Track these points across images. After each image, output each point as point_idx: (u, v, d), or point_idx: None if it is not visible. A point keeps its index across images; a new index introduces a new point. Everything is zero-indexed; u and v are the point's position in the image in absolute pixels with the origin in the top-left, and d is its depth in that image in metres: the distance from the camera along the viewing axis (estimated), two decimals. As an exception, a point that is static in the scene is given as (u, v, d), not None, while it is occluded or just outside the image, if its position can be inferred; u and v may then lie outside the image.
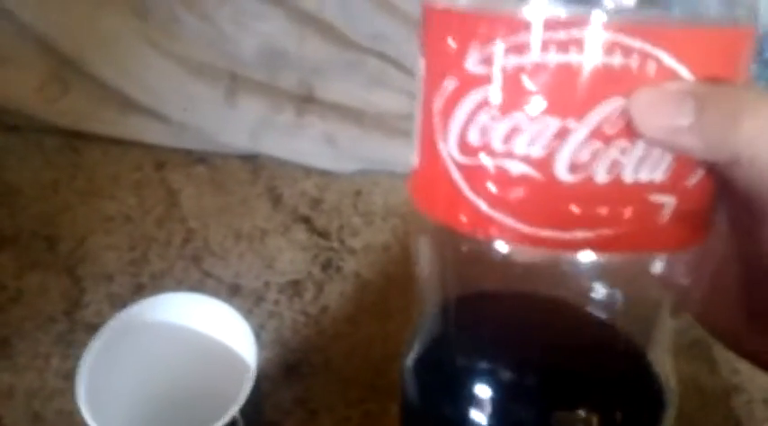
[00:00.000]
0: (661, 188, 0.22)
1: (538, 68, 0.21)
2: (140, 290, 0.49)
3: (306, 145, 0.56)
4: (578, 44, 0.20)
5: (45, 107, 0.59)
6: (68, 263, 0.51)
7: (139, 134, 0.59)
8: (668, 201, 0.22)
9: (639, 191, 0.22)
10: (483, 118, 0.22)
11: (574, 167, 0.21)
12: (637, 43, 0.20)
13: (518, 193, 0.22)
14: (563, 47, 0.20)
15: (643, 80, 0.21)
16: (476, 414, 0.25)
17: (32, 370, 0.45)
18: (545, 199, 0.22)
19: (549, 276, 0.24)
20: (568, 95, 0.21)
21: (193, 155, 0.59)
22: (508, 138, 0.21)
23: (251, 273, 0.51)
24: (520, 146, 0.21)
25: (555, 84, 0.21)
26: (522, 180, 0.22)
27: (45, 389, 0.44)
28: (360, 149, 0.55)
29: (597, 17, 0.20)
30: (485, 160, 0.22)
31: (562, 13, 0.20)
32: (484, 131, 0.22)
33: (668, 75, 0.21)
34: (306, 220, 0.54)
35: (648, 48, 0.20)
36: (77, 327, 0.47)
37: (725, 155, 0.21)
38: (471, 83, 0.22)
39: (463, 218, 0.23)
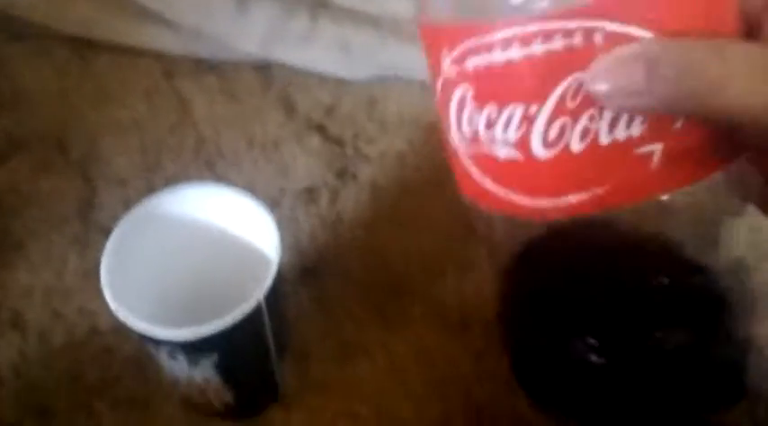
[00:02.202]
0: (643, 139, 0.23)
1: (491, 65, 0.23)
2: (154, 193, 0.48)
3: (319, 52, 0.55)
4: (517, 40, 0.22)
5: (53, 14, 0.58)
6: (81, 167, 0.50)
7: (149, 42, 0.57)
8: (655, 149, 0.23)
9: (621, 148, 0.23)
10: (467, 111, 0.25)
11: (548, 144, 0.23)
12: (573, 24, 0.21)
13: (510, 171, 0.24)
14: (505, 45, 0.23)
15: (592, 52, 0.22)
16: (580, 345, 0.27)
17: (49, 270, 0.45)
18: (533, 174, 0.24)
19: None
20: (525, 83, 0.23)
21: (204, 64, 0.57)
22: (488, 127, 0.24)
23: (265, 180, 0.50)
24: (498, 132, 0.24)
25: (510, 76, 0.23)
26: (509, 161, 0.24)
27: (63, 288, 0.44)
28: (375, 56, 0.54)
29: (524, 16, 0.22)
30: (479, 147, 0.25)
31: (495, 19, 0.23)
32: (470, 122, 0.25)
33: (619, 40, 0.22)
34: (320, 128, 0.53)
35: (587, 23, 0.21)
36: (92, 228, 0.47)
37: (686, 110, 0.21)
38: (451, 83, 0.25)
39: (477, 195, 0.26)
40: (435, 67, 0.26)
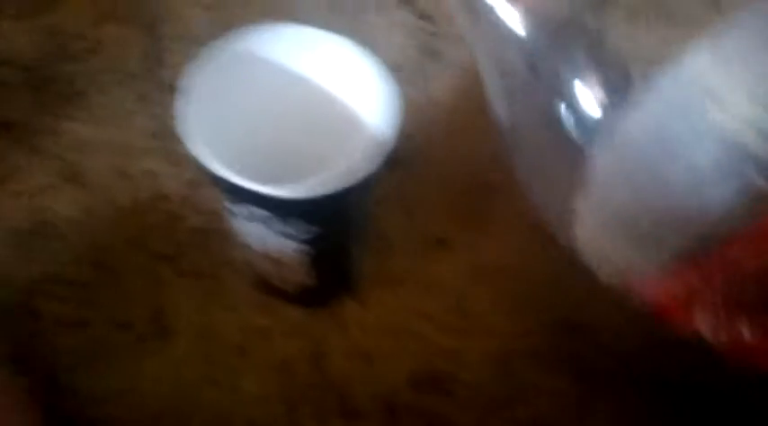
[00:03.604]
0: None
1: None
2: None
3: None
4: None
5: None
6: (149, 18, 0.46)
7: None
8: None
9: None
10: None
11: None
12: None
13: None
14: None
15: None
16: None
17: (114, 126, 0.42)
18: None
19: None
20: None
21: None
22: None
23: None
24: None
25: None
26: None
27: (128, 147, 0.41)
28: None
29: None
30: None
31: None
32: None
33: None
34: (408, 1, 0.49)
35: None
36: (161, 87, 0.43)
37: None
38: None
39: None
40: None
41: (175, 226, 0.38)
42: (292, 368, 0.35)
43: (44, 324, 0.36)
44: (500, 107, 0.30)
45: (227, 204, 0.30)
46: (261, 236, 0.31)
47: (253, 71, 0.32)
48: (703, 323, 0.26)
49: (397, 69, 0.41)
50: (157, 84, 0.43)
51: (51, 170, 0.40)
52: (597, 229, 0.26)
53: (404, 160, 0.42)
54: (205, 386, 0.35)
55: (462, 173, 0.42)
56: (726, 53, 0.22)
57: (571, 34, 0.25)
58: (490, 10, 0.27)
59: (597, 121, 0.24)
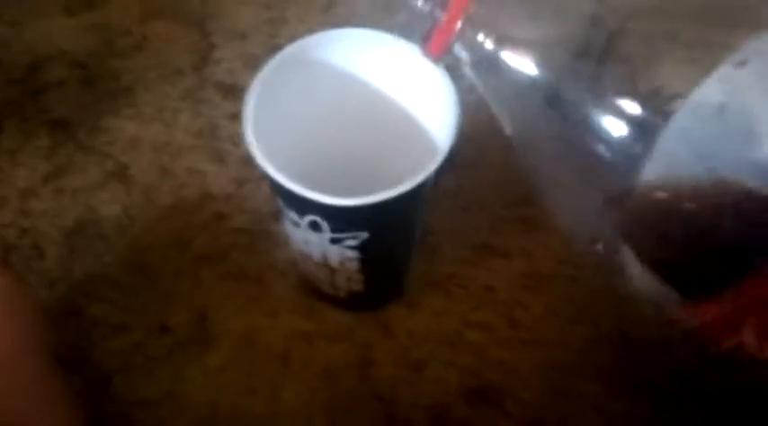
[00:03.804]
0: None
1: None
2: (277, 52, 0.43)
3: None
4: None
5: None
6: (197, 15, 0.45)
7: None
8: None
9: None
10: None
11: None
12: None
13: None
14: None
15: None
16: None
17: (159, 123, 0.41)
18: None
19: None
20: None
21: None
22: None
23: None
24: None
25: None
26: None
27: (173, 144, 0.40)
28: None
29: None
30: None
31: None
32: None
33: None
34: None
35: None
36: (207, 84, 0.43)
37: None
38: None
39: None
40: None
41: (220, 227, 0.37)
42: (337, 374, 0.34)
43: (86, 326, 0.35)
44: (519, 145, 0.29)
45: (284, 210, 0.29)
46: (314, 242, 0.30)
47: (314, 75, 0.31)
48: (746, 343, 0.25)
49: (451, 71, 0.39)
50: (203, 81, 0.43)
51: (97, 167, 0.40)
52: (635, 259, 0.26)
53: (460, 163, 0.41)
54: (246, 393, 0.33)
55: (519, 178, 0.40)
56: (743, 86, 0.22)
57: (585, 67, 0.25)
58: (499, 58, 0.27)
59: (620, 155, 0.24)
